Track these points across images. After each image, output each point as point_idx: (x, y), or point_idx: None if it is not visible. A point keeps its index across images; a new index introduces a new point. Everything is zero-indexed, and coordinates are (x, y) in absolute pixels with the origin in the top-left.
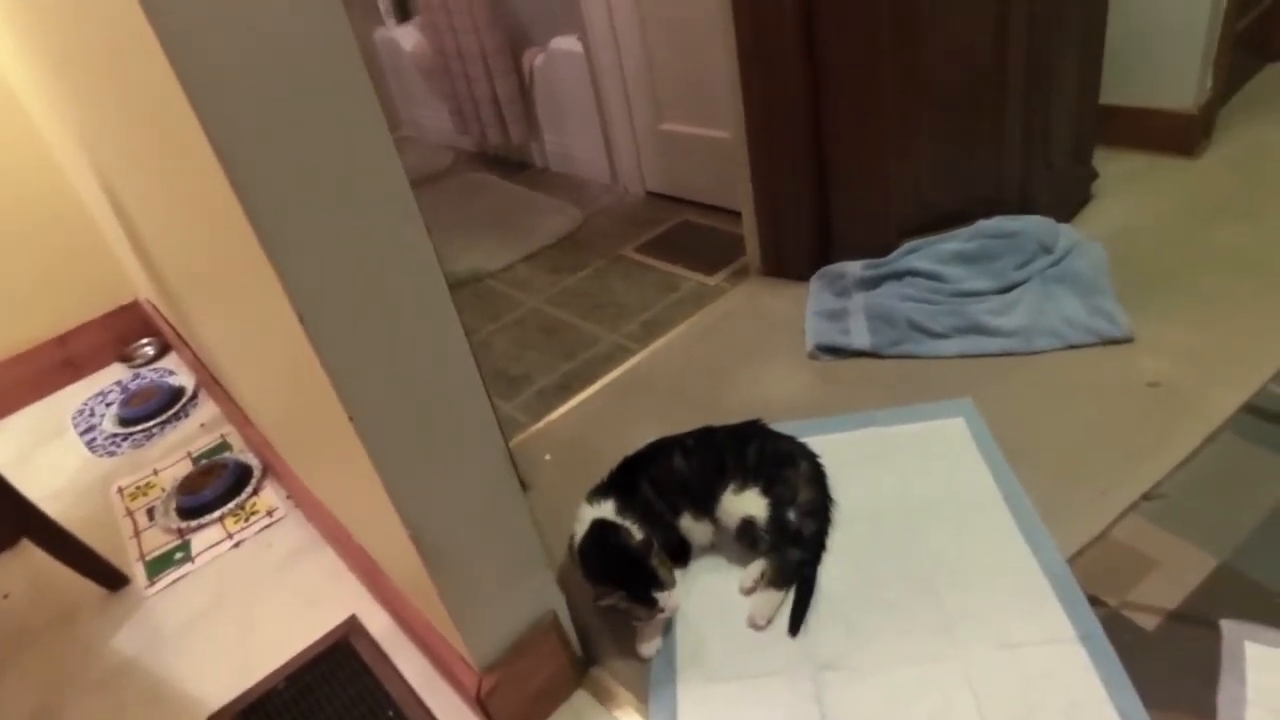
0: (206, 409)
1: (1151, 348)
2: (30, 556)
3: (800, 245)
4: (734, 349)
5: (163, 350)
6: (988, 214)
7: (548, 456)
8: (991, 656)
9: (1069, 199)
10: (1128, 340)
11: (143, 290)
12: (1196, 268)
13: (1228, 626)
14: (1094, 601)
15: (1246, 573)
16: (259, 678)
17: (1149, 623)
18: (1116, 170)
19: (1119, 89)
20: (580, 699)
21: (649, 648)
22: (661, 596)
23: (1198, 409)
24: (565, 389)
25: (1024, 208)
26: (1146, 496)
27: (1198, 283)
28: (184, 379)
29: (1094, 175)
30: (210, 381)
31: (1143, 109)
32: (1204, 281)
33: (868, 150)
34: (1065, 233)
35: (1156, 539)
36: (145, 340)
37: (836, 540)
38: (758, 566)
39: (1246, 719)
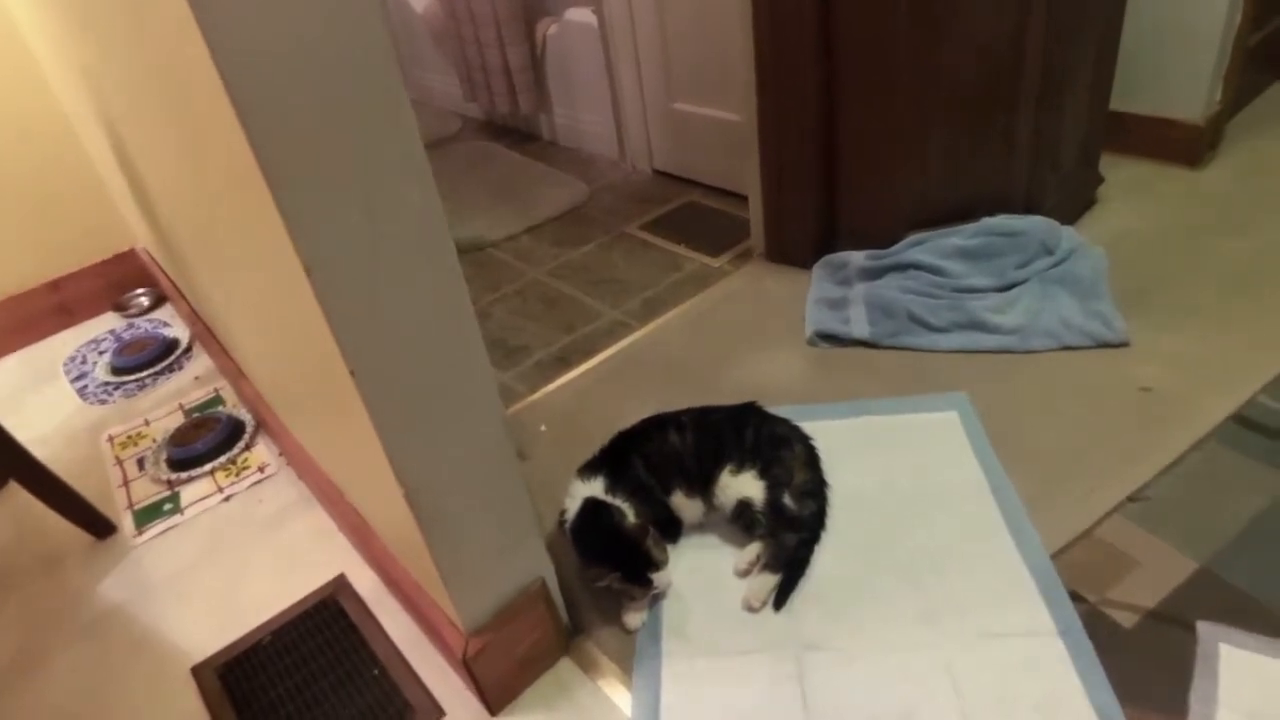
0: (201, 362)
1: (1145, 353)
2: (17, 500)
3: (805, 232)
4: (734, 332)
5: (158, 301)
6: (992, 211)
7: (543, 427)
8: (972, 646)
9: (1074, 202)
10: (1123, 345)
11: (140, 239)
12: (1194, 277)
13: (1204, 628)
14: (1075, 597)
15: (1225, 577)
16: (244, 631)
17: (1127, 620)
18: (1122, 176)
19: (1129, 97)
20: (565, 667)
21: (635, 620)
22: (656, 577)
23: (1187, 415)
24: (563, 362)
25: (1029, 208)
26: (1132, 498)
27: (1195, 292)
28: (179, 331)
29: (1099, 180)
30: (205, 335)
31: (1151, 117)
32: (1201, 292)
33: (878, 143)
34: (1067, 235)
35: (1139, 539)
36: (141, 290)
37: (826, 524)
38: (754, 549)
39: (1217, 719)
